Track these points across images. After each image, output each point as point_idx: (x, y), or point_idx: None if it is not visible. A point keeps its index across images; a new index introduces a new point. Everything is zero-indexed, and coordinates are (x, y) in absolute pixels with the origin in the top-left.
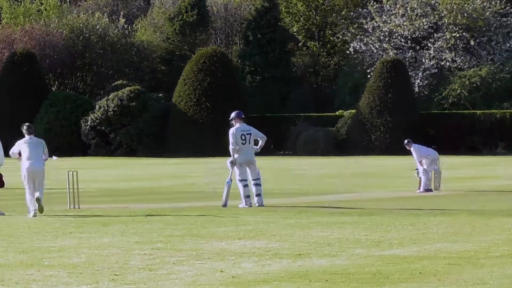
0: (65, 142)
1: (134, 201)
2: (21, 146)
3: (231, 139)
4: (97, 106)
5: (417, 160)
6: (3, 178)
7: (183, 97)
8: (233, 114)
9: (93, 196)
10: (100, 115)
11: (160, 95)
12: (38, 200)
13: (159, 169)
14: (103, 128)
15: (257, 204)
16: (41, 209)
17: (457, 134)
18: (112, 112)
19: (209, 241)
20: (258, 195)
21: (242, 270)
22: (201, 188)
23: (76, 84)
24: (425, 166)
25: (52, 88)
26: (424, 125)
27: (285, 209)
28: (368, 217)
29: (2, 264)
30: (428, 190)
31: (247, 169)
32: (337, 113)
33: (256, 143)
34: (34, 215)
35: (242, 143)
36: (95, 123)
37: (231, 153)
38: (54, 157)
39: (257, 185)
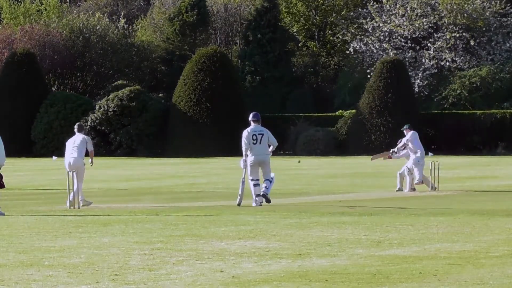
0: (65, 142)
1: (134, 201)
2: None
3: (243, 140)
4: (97, 106)
5: (404, 141)
6: (3, 179)
7: (183, 97)
8: (250, 116)
9: (93, 196)
10: (100, 115)
11: (160, 95)
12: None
13: (159, 169)
14: (103, 128)
15: (261, 192)
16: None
17: (457, 134)
18: (112, 112)
19: (209, 241)
20: (266, 187)
21: (242, 270)
22: (201, 188)
23: (76, 84)
24: (409, 165)
25: (52, 88)
26: (424, 125)
27: (285, 209)
28: (368, 217)
29: (2, 264)
30: (412, 189)
31: (259, 169)
32: (337, 113)
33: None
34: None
35: (253, 143)
36: (95, 123)
37: (243, 153)
38: (54, 157)
39: (267, 180)
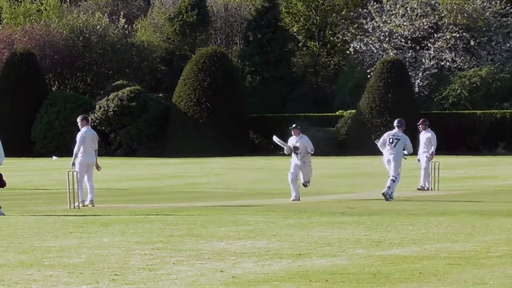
0: (65, 142)
1: (134, 201)
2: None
3: (381, 139)
4: (97, 106)
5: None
6: (3, 178)
7: (183, 97)
8: (395, 121)
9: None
10: (100, 115)
11: (160, 95)
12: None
13: (159, 169)
14: (103, 128)
15: (383, 192)
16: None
17: (457, 134)
18: (112, 112)
19: (209, 241)
20: (388, 187)
21: (242, 270)
22: (201, 188)
23: (76, 84)
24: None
25: (52, 88)
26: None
27: (285, 209)
28: (368, 217)
29: (2, 264)
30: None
31: (388, 166)
32: (337, 113)
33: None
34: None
35: (389, 144)
36: (95, 123)
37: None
38: (54, 157)
39: (392, 180)
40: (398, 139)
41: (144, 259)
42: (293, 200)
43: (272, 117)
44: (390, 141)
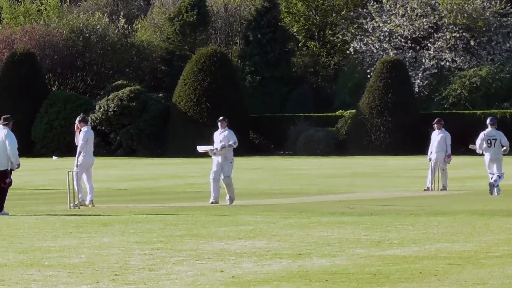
0: (65, 142)
1: (134, 201)
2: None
3: (478, 141)
4: (97, 106)
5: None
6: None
7: (183, 97)
8: (488, 120)
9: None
10: (100, 115)
11: (160, 95)
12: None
13: (159, 169)
14: (103, 128)
15: (496, 194)
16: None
17: (457, 134)
18: (112, 112)
19: (209, 241)
20: (495, 180)
21: (242, 270)
22: (201, 188)
23: (76, 84)
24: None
25: (52, 88)
26: (424, 125)
27: (285, 209)
28: (368, 217)
29: (2, 264)
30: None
31: (494, 165)
32: (337, 113)
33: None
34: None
35: (487, 146)
36: (95, 123)
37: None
38: (54, 157)
39: (498, 176)
40: (495, 139)
41: (144, 259)
42: (212, 202)
43: (272, 117)
44: (488, 143)
